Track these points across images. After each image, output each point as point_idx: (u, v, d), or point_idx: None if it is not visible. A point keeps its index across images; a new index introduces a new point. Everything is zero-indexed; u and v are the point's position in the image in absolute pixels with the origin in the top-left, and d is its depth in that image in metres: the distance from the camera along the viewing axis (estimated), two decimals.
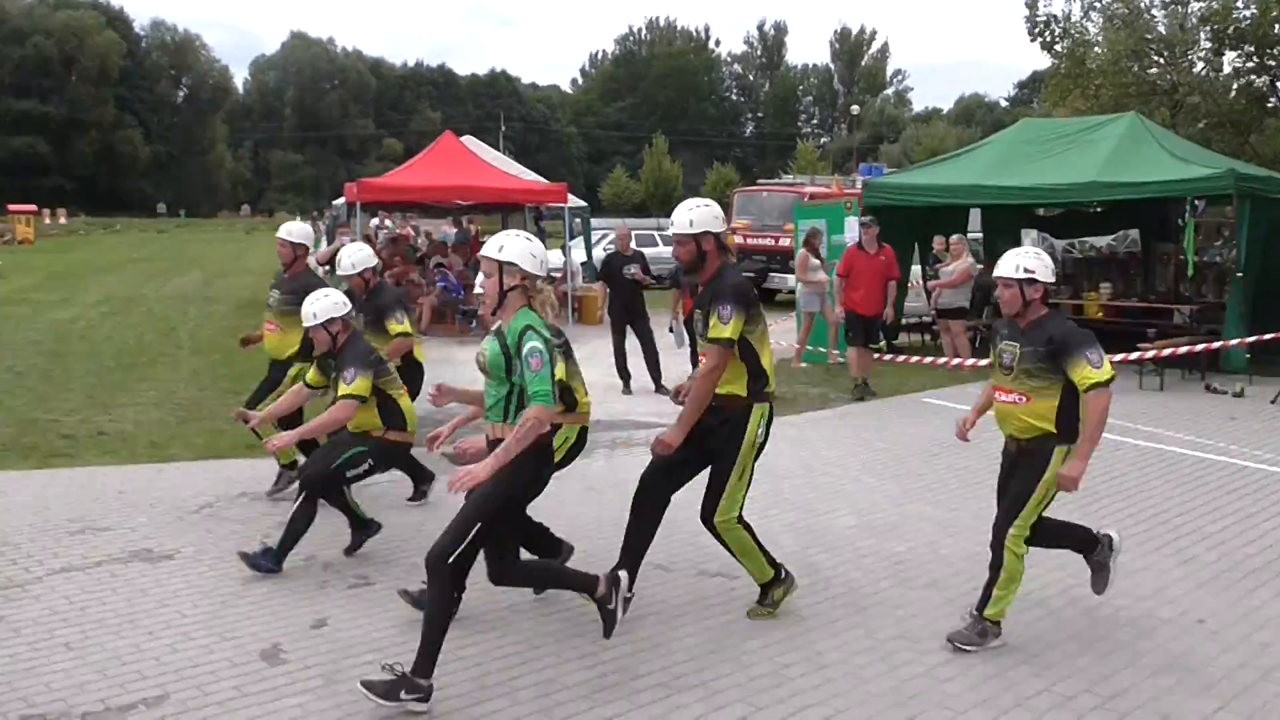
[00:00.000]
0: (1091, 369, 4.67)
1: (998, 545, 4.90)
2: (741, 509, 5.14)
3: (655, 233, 28.37)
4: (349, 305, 6.01)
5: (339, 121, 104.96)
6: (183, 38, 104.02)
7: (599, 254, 22.16)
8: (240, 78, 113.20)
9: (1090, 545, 5.18)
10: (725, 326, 4.91)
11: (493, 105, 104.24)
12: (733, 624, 5.22)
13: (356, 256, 7.18)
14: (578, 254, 20.57)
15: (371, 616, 5.25)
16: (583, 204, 21.82)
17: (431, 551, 4.24)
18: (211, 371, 12.61)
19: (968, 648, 4.87)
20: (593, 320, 17.21)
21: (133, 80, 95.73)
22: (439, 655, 4.24)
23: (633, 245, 12.50)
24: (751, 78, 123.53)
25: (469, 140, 20.04)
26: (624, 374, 11.89)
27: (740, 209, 22.73)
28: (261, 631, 4.99)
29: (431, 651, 4.20)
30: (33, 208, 52.28)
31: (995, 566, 4.92)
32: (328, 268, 16.07)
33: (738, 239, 21.79)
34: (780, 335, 15.01)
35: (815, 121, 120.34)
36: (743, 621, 5.23)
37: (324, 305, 5.84)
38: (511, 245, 4.36)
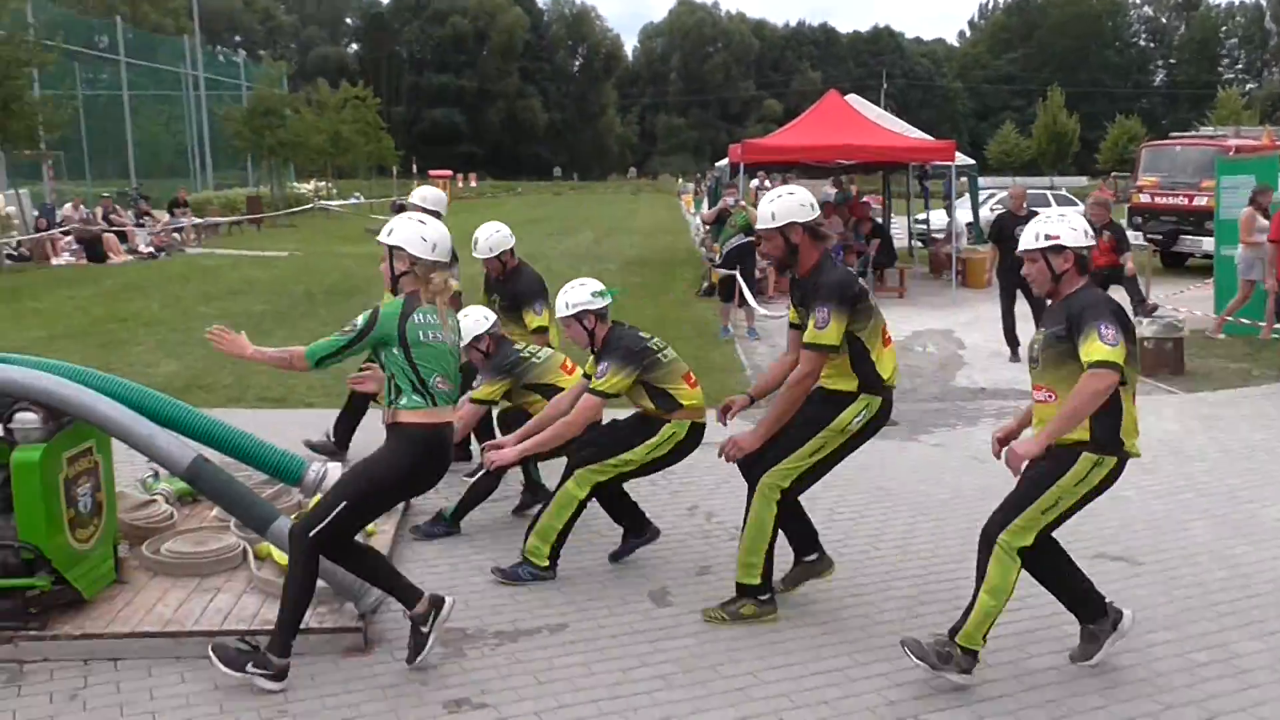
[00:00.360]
0: (1100, 343, 3.77)
1: (984, 550, 4.05)
2: (794, 489, 4.61)
3: (1048, 192, 26.71)
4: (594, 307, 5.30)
5: (721, 85, 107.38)
6: (579, 10, 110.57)
7: (985, 214, 21.14)
8: (630, 45, 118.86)
9: (1090, 612, 4.27)
10: (823, 331, 4.38)
11: (875, 62, 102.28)
12: (1139, 614, 4.80)
13: (494, 239, 6.55)
14: (963, 214, 19.74)
15: None
16: (970, 162, 20.88)
17: (296, 522, 4.09)
18: None
19: (919, 662, 4.07)
20: (979, 284, 16.45)
21: (534, 52, 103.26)
22: (295, 634, 4.02)
23: (1026, 206, 11.79)
24: (1164, 20, 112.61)
25: (853, 99, 19.70)
26: (1012, 340, 11.26)
27: (1148, 165, 20.77)
28: (652, 573, 5.23)
29: (288, 628, 3.98)
30: (449, 173, 57.84)
31: (979, 579, 4.06)
32: (708, 228, 16.45)
33: (1144, 198, 20.00)
34: (1194, 303, 13.65)
35: (1240, 66, 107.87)
36: (1152, 613, 4.80)
37: (576, 294, 5.30)
38: (400, 229, 4.09)
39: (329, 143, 38.81)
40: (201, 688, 3.99)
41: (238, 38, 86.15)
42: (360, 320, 4.04)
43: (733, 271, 12.22)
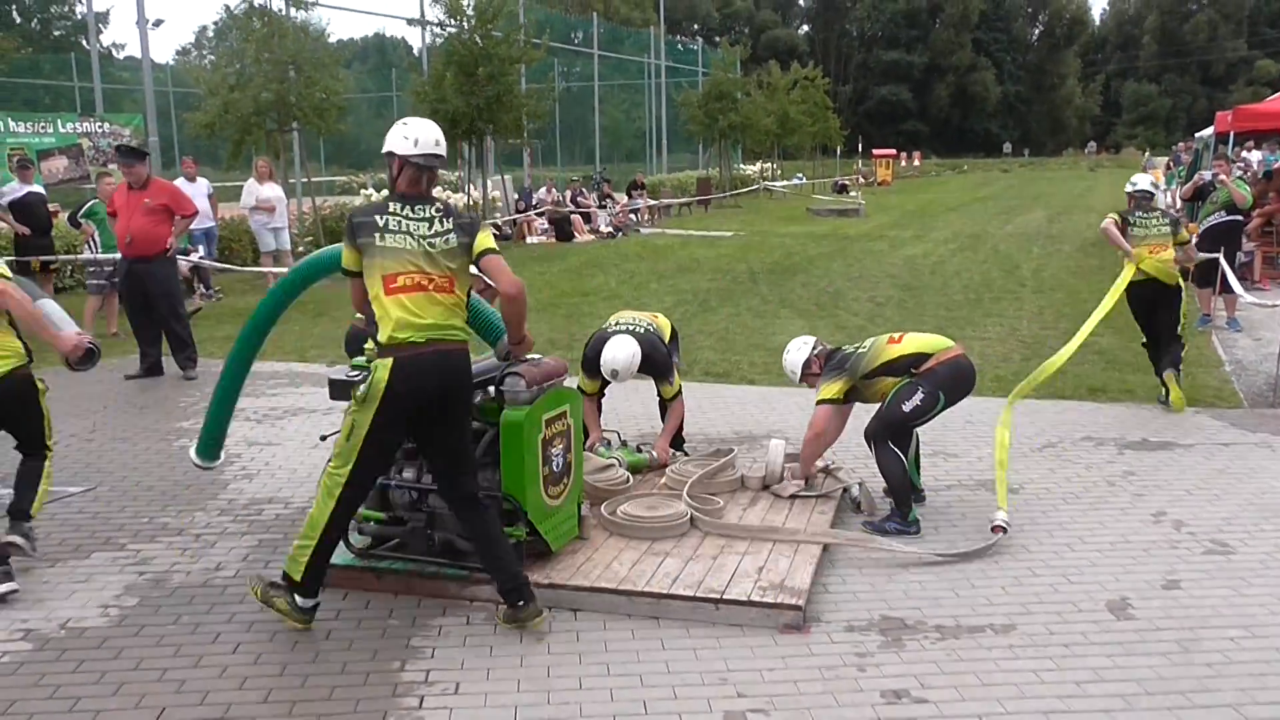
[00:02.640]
0: None
1: None
2: (353, 483, 4.18)
3: None
4: None
5: (1205, 45, 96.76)
6: None
7: None
8: (1098, 8, 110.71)
9: None
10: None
11: None
12: None
13: None
14: None
15: (1232, 586, 4.76)
16: None
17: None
18: (1055, 310, 12.51)
19: None
20: None
21: (990, 23, 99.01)
22: None
23: None
24: None
25: None
26: None
27: None
28: (1109, 582, 4.81)
29: None
30: (892, 152, 57.06)
31: None
32: (1183, 205, 14.82)
33: None
34: None
35: None
36: None
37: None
38: None
39: (777, 124, 39.60)
40: (650, 645, 4.21)
41: (695, 25, 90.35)
42: None
43: (1214, 255, 10.98)
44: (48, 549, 5.28)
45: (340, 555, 4.83)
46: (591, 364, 6.17)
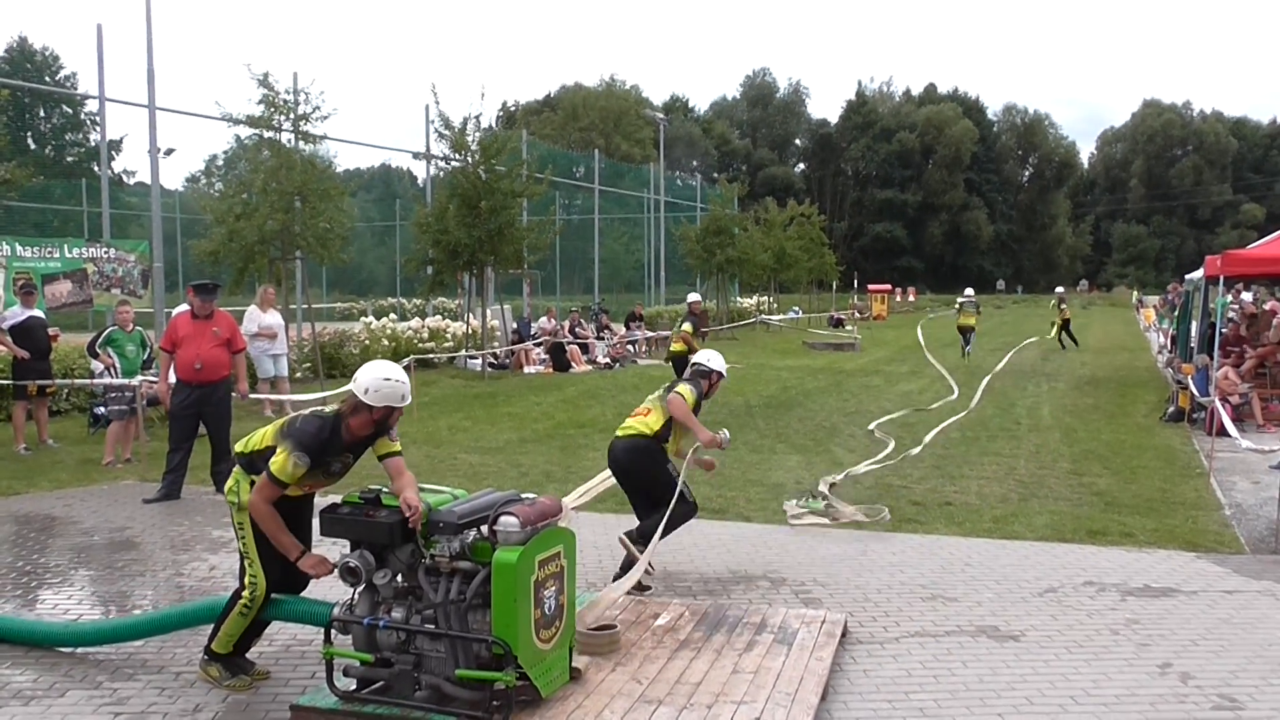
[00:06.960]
0: None
1: None
2: None
3: None
4: None
5: (1190, 189, 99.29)
6: (1032, 119, 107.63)
7: None
8: (1086, 152, 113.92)
9: None
10: None
11: None
12: None
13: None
14: None
15: None
16: None
17: None
18: (1052, 450, 12.47)
19: None
20: None
21: (981, 164, 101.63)
22: None
23: None
24: None
25: None
26: None
27: None
28: None
29: None
30: (887, 286, 57.92)
31: None
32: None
33: None
34: None
35: None
36: None
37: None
38: None
39: (773, 259, 40.25)
40: None
41: (694, 162, 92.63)
42: None
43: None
44: (22, 686, 5.13)
45: (323, 698, 4.70)
46: None
